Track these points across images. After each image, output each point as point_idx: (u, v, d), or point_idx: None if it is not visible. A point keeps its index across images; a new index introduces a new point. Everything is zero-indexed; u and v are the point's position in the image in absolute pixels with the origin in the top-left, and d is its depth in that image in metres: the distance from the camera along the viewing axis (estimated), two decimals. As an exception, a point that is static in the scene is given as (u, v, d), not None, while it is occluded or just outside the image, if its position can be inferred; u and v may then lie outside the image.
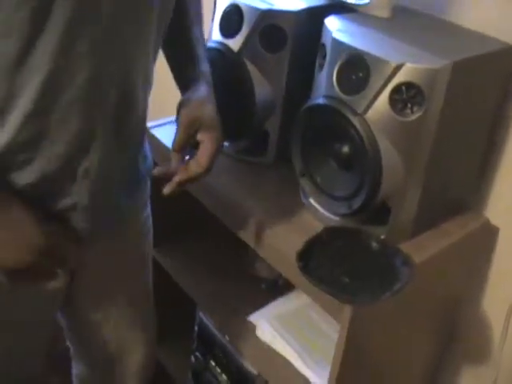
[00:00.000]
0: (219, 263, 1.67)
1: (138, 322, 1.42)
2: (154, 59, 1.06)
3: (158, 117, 1.56)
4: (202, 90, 1.12)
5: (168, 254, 1.70)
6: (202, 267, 1.66)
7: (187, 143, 1.09)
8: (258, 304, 1.53)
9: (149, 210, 1.37)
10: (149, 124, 1.50)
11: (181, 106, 1.10)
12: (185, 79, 1.16)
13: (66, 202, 1.03)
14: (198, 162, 1.08)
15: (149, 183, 1.29)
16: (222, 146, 1.12)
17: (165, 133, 1.51)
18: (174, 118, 1.50)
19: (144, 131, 1.17)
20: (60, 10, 0.83)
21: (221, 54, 1.33)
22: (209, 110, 1.10)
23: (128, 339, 1.41)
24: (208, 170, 1.09)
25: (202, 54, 1.18)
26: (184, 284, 1.62)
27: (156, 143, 1.49)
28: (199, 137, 1.08)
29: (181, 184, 1.07)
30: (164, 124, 1.54)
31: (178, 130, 1.09)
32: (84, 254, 1.17)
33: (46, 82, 0.88)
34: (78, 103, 0.92)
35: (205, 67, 1.17)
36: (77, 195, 1.03)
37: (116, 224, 1.20)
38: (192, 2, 1.20)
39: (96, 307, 1.33)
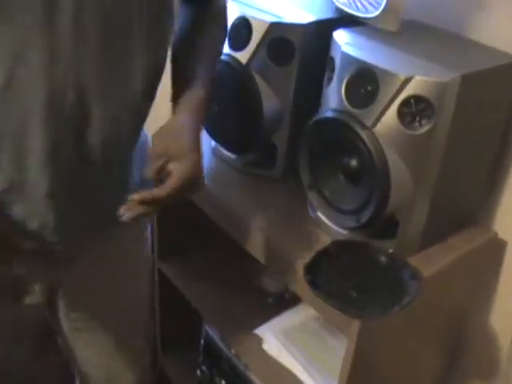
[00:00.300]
0: (226, 276, 1.66)
1: (129, 344, 1.40)
2: (146, 76, 1.03)
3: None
4: (181, 119, 1.07)
5: (174, 267, 1.70)
6: (208, 280, 1.65)
7: (159, 173, 1.02)
8: (265, 317, 1.52)
9: (148, 231, 1.35)
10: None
11: (154, 136, 1.06)
12: (174, 104, 1.11)
13: (33, 223, 1.01)
14: (163, 188, 1.00)
15: None
16: (197, 176, 1.04)
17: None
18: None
19: (131, 152, 1.12)
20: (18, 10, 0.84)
21: (229, 67, 1.33)
22: (183, 141, 1.03)
23: (118, 361, 1.39)
24: (167, 197, 0.99)
25: (199, 83, 1.11)
26: (190, 297, 1.62)
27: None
28: (169, 166, 1.01)
29: (141, 202, 0.98)
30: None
31: (149, 160, 1.04)
32: (62, 273, 1.17)
33: (3, 88, 0.88)
34: (37, 110, 0.91)
35: (198, 94, 1.10)
36: (43, 215, 1.01)
37: (103, 246, 1.18)
38: (210, 34, 1.18)
39: (78, 331, 1.32)
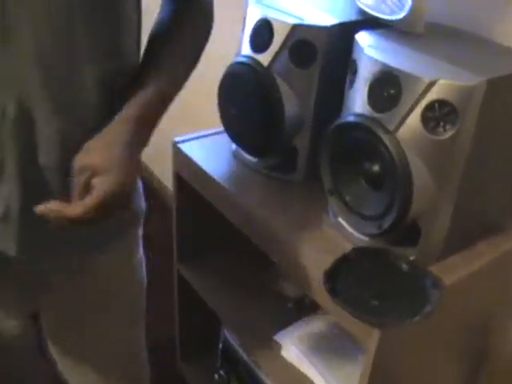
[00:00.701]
0: (246, 280, 1.65)
1: (122, 370, 1.33)
2: (103, 87, 0.95)
3: (186, 131, 1.55)
4: (114, 129, 0.94)
5: (194, 270, 1.69)
6: (228, 284, 1.64)
7: (85, 189, 0.90)
8: (284, 323, 1.50)
9: (139, 257, 1.26)
10: (176, 139, 1.50)
11: (81, 149, 0.94)
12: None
13: None
14: (80, 205, 0.88)
15: (138, 228, 1.22)
16: (123, 191, 0.92)
17: (192, 147, 1.49)
18: (203, 132, 1.48)
19: None
20: None
21: (250, 69, 1.31)
22: (110, 153, 0.91)
23: None
24: (86, 214, 0.88)
25: (155, 85, 0.99)
26: (209, 301, 1.61)
27: (183, 159, 1.48)
28: (93, 181, 0.90)
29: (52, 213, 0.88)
30: (192, 139, 1.53)
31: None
32: (39, 297, 1.13)
33: None
34: None
35: (147, 99, 0.97)
36: (2, 240, 0.97)
37: (84, 270, 1.12)
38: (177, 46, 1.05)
39: (65, 355, 1.26)
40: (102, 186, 0.89)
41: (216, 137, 1.54)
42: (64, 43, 0.88)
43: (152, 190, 2.97)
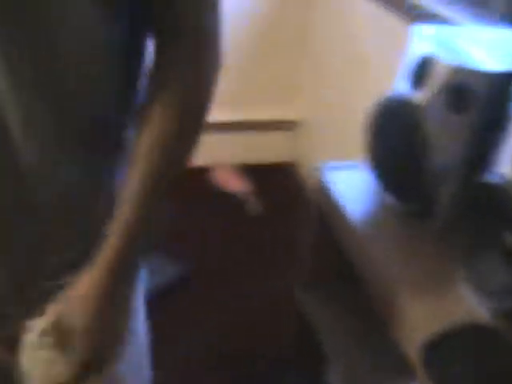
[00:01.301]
0: (361, 322, 1.55)
1: None
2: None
3: (338, 157, 1.49)
4: (84, 285, 0.79)
5: (310, 300, 1.62)
6: (343, 323, 1.56)
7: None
8: (391, 374, 1.40)
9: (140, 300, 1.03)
10: (317, 165, 1.44)
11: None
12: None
13: None
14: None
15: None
16: (94, 359, 0.80)
17: (331, 176, 1.43)
18: (345, 162, 1.40)
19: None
20: None
21: (402, 107, 1.23)
22: (77, 318, 0.78)
23: None
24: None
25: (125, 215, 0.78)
26: (321, 336, 1.53)
27: (320, 187, 1.41)
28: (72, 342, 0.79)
29: None
30: (332, 168, 1.46)
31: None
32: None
33: None
34: None
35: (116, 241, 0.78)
36: None
37: None
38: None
39: None
40: (70, 359, 0.79)
41: (357, 169, 1.46)
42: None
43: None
